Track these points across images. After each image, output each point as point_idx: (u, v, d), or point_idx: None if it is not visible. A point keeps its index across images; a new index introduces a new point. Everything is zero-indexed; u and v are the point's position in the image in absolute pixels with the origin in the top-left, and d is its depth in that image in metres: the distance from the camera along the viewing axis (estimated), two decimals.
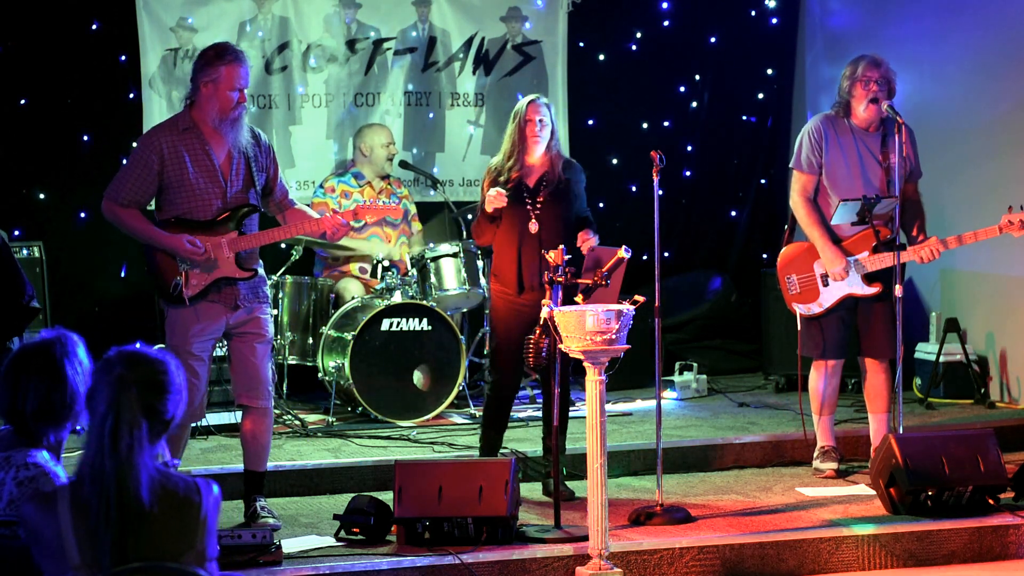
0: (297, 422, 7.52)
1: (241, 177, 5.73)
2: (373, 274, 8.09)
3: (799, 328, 6.71)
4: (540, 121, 6.23)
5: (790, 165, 6.74)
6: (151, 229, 5.67)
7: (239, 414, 5.90)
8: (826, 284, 6.60)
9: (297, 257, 7.91)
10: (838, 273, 6.51)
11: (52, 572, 2.94)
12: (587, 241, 6.13)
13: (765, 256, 9.94)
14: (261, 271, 5.88)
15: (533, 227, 6.22)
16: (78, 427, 3.70)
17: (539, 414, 6.87)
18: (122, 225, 5.70)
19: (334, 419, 7.60)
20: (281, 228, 5.85)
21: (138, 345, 3.18)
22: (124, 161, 5.72)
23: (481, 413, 6.63)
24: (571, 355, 5.22)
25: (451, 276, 7.89)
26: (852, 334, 6.66)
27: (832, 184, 6.57)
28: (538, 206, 6.24)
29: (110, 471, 2.92)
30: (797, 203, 6.65)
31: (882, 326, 6.56)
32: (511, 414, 7.58)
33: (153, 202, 5.78)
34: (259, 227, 5.86)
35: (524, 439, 6.72)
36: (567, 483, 6.23)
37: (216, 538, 3.07)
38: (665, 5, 9.72)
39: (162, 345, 5.73)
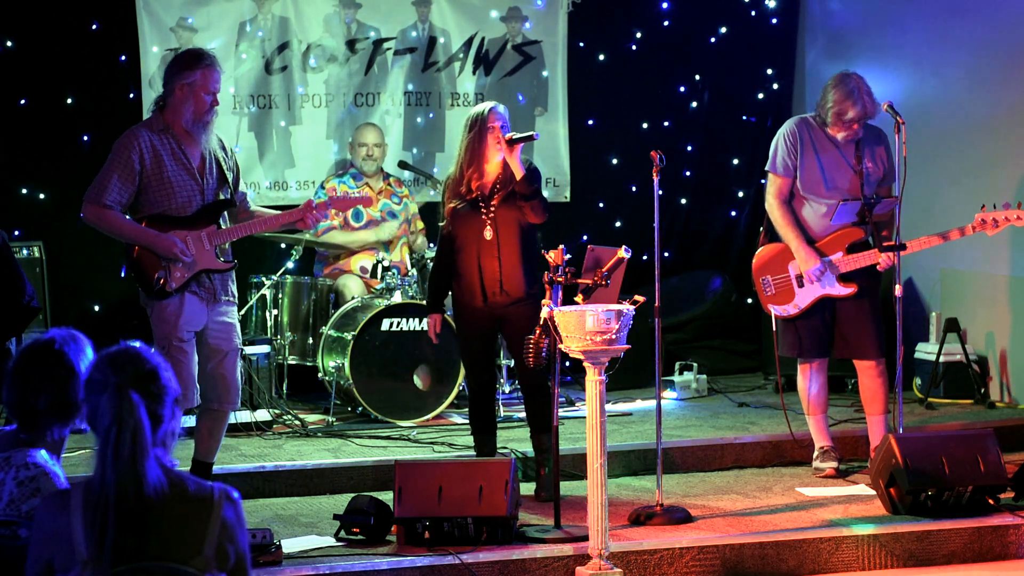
0: (297, 422, 7.52)
1: (215, 176, 5.87)
2: (373, 274, 8.09)
3: (774, 329, 6.72)
4: (502, 128, 6.21)
5: (766, 168, 6.72)
6: (138, 229, 5.74)
7: (237, 415, 5.91)
8: (801, 285, 6.59)
9: (297, 257, 7.92)
10: (813, 273, 6.51)
11: (62, 567, 2.96)
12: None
13: None
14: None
15: (488, 233, 6.22)
16: (83, 425, 3.70)
17: None
18: (107, 227, 5.78)
19: (334, 419, 7.60)
20: (256, 221, 6.01)
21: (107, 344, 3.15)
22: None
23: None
24: (571, 355, 5.22)
25: None
26: (831, 334, 6.65)
27: (804, 187, 6.56)
28: (492, 211, 6.23)
29: (111, 481, 2.92)
30: (772, 205, 6.64)
31: (860, 326, 6.55)
32: (510, 415, 7.65)
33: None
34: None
35: (524, 439, 6.71)
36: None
37: (236, 548, 3.01)
38: (665, 5, 9.72)
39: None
